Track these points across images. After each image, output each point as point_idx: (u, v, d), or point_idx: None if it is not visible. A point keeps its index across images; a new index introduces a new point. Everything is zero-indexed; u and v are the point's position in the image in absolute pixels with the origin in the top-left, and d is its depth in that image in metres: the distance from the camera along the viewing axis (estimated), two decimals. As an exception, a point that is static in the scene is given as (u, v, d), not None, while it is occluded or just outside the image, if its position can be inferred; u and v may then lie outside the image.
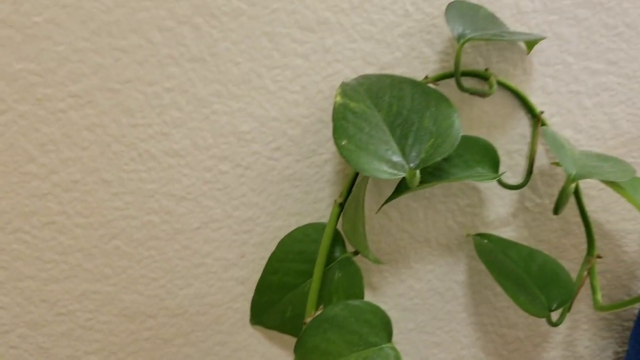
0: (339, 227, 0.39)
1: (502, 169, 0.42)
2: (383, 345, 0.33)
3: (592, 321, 0.47)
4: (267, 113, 0.37)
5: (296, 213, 0.40)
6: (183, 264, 0.40)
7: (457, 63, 0.34)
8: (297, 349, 0.34)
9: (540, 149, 0.41)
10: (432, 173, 0.37)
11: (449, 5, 0.35)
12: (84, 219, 0.37)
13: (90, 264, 0.39)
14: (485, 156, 0.37)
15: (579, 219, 0.44)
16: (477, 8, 0.36)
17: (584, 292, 0.46)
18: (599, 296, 0.40)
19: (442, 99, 0.34)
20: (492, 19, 0.36)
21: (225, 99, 0.36)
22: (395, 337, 0.45)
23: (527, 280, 0.39)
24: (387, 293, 0.44)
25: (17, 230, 0.37)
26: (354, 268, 0.38)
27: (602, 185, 0.43)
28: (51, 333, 0.40)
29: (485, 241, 0.41)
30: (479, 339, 0.46)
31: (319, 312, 0.34)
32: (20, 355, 0.39)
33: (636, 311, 0.47)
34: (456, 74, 0.35)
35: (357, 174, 0.38)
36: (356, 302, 0.34)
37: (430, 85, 0.38)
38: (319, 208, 0.40)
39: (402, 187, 0.36)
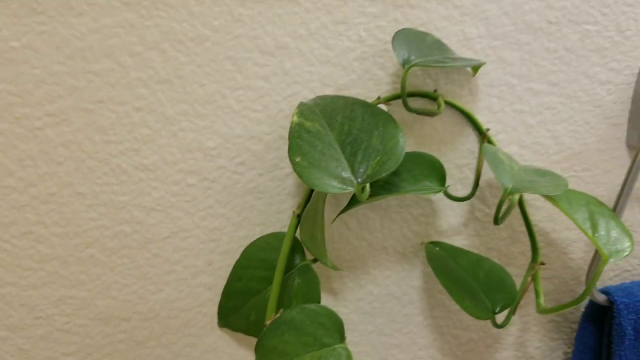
0: (300, 236, 0.42)
1: (452, 182, 0.45)
2: (336, 346, 0.36)
3: (541, 324, 0.51)
4: (232, 130, 0.40)
5: (260, 223, 0.43)
6: (154, 271, 0.43)
7: (403, 86, 0.37)
8: (257, 350, 0.37)
9: (487, 163, 0.45)
10: (383, 187, 0.40)
11: (397, 33, 0.38)
12: (60, 228, 0.40)
13: (67, 271, 0.41)
14: (432, 171, 0.41)
15: (525, 228, 0.47)
16: (423, 35, 0.39)
17: (533, 297, 0.49)
18: (542, 300, 0.43)
19: (389, 119, 0.37)
20: (438, 46, 0.40)
21: (191, 118, 0.39)
22: (356, 339, 0.48)
23: (474, 285, 0.42)
24: (347, 297, 0.47)
25: (-3, 239, 0.39)
26: (312, 274, 0.41)
27: (547, 197, 0.47)
28: (30, 335, 0.42)
29: (437, 249, 0.44)
30: (435, 340, 0.49)
31: (278, 316, 0.37)
32: (1, 356, 0.42)
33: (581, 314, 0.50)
34: (403, 96, 0.38)
35: (314, 187, 0.40)
36: (312, 306, 0.37)
37: (382, 105, 0.41)
38: (281, 218, 0.43)
39: (354, 200, 0.39)
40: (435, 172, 0.41)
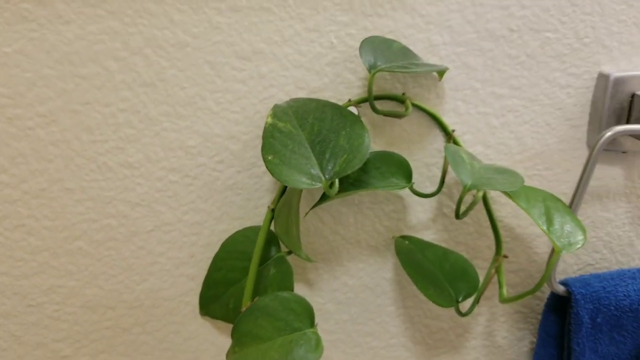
0: (275, 229, 0.44)
1: (421, 179, 0.48)
2: (306, 330, 0.39)
3: (508, 314, 0.53)
4: (211, 130, 0.43)
5: (239, 217, 0.46)
6: (139, 262, 0.45)
7: (369, 90, 0.40)
8: (234, 334, 0.40)
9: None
10: (352, 183, 0.43)
11: (364, 41, 0.41)
12: (50, 222, 0.43)
13: (56, 262, 0.44)
14: (399, 169, 0.43)
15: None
16: (390, 42, 0.42)
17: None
18: (505, 290, 0.46)
19: (357, 121, 0.40)
20: (404, 52, 0.42)
21: (173, 118, 0.42)
22: (332, 327, 0.50)
23: (438, 275, 0.45)
24: (323, 288, 0.49)
25: (-9, 231, 0.42)
26: (286, 265, 0.44)
27: (511, 194, 0.49)
28: (22, 322, 0.45)
29: (407, 242, 0.47)
30: (407, 329, 0.52)
31: (253, 303, 0.40)
32: (-6, 343, 0.45)
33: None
34: (370, 99, 0.41)
35: (289, 184, 0.43)
36: (284, 294, 0.40)
37: (353, 108, 0.44)
38: (259, 213, 0.46)
39: (325, 195, 0.42)
40: (402, 170, 0.43)
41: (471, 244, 0.50)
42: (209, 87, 0.42)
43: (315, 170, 0.38)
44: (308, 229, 0.47)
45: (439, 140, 0.47)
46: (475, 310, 0.53)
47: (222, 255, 0.45)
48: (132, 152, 0.42)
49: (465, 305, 0.51)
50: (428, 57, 0.44)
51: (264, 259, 0.44)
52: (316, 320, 0.50)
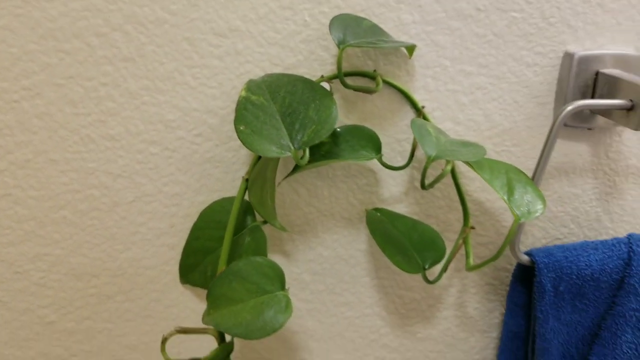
0: (249, 199, 0.47)
1: (393, 154, 0.50)
2: (277, 292, 0.41)
3: (479, 286, 0.56)
4: (190, 105, 0.45)
5: (217, 190, 0.48)
6: (121, 232, 0.47)
7: (339, 65, 0.42)
8: (208, 297, 0.42)
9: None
10: (324, 155, 0.45)
11: (334, 18, 0.43)
12: (36, 192, 0.45)
13: (42, 231, 0.46)
14: (369, 142, 0.45)
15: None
16: (360, 20, 0.44)
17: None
18: (471, 260, 0.48)
19: (326, 94, 0.42)
20: (374, 29, 0.44)
21: (153, 93, 0.44)
22: (308, 297, 0.53)
23: (406, 244, 0.47)
24: (299, 259, 0.51)
25: (-21, 200, 0.44)
26: (260, 234, 0.46)
27: (480, 169, 0.51)
28: (9, 289, 0.47)
29: (378, 214, 0.49)
30: (380, 300, 0.54)
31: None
32: (-17, 309, 0.47)
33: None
34: (339, 75, 0.43)
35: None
36: (257, 259, 0.42)
37: (325, 83, 0.46)
38: (236, 185, 0.48)
39: (297, 166, 0.44)
40: (372, 143, 0.45)
41: (442, 217, 0.52)
42: (186, 63, 0.44)
43: (285, 140, 0.40)
44: (284, 202, 0.49)
45: (410, 116, 0.49)
46: (447, 282, 0.55)
47: (200, 224, 0.47)
48: (113, 125, 0.44)
49: (434, 273, 0.53)
50: (399, 36, 0.46)
51: (240, 228, 0.46)
52: (293, 290, 0.52)
